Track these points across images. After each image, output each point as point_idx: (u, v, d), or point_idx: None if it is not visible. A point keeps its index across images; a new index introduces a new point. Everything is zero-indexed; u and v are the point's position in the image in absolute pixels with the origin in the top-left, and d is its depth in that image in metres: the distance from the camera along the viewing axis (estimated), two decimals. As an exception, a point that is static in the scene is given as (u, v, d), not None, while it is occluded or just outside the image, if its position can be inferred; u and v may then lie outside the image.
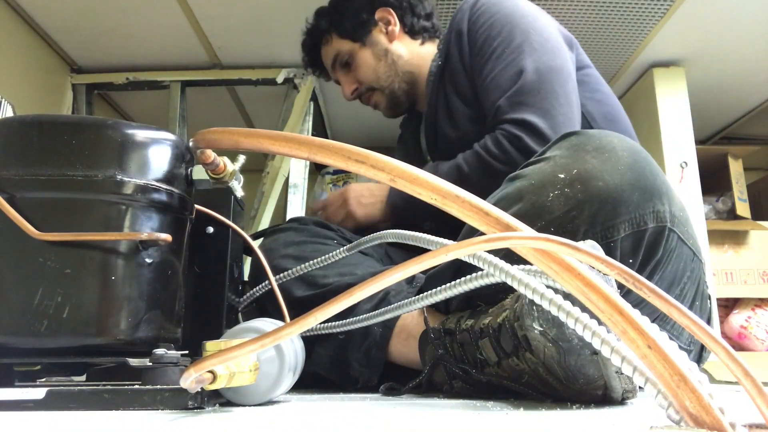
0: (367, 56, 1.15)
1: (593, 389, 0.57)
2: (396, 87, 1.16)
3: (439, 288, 0.60)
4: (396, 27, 1.15)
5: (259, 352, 0.54)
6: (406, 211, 1.03)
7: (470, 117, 1.03)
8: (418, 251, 0.48)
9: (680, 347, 0.58)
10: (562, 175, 0.68)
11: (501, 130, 0.92)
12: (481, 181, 0.91)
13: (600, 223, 0.66)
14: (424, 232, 0.63)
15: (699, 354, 0.83)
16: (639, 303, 0.50)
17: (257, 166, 1.72)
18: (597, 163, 0.67)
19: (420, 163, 1.11)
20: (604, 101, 1.03)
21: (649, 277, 0.70)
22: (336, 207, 1.10)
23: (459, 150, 0.98)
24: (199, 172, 0.64)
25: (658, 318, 0.73)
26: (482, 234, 0.38)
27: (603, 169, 0.67)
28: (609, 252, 0.66)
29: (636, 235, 0.68)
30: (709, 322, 0.87)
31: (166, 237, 0.55)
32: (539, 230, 0.67)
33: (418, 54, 1.16)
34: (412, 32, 1.16)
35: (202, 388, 0.47)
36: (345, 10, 1.16)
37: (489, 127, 0.96)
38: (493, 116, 0.95)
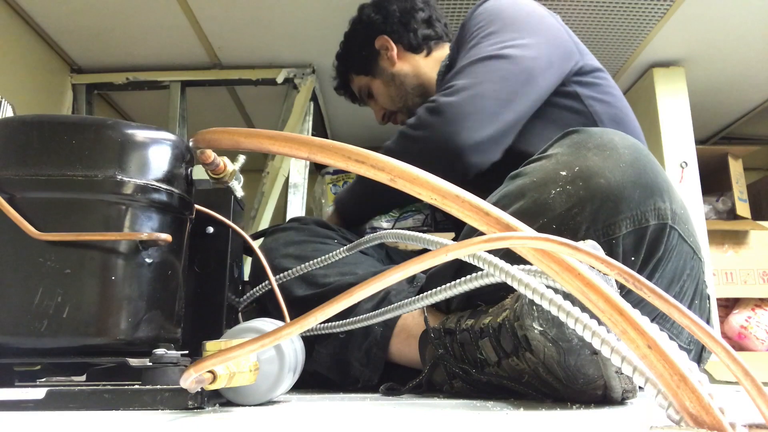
0: (379, 85, 1.22)
1: (593, 389, 0.57)
2: (410, 104, 1.19)
3: (439, 288, 0.60)
4: (394, 51, 1.19)
5: (259, 352, 0.54)
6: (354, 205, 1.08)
7: None
8: (419, 251, 0.48)
9: (680, 347, 0.58)
10: (564, 173, 0.68)
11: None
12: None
13: (602, 220, 0.66)
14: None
15: (699, 354, 0.83)
16: (639, 302, 0.50)
17: (257, 166, 1.72)
18: (598, 161, 0.67)
19: None
20: (613, 104, 1.01)
21: (650, 275, 0.70)
22: None
23: None
24: (199, 172, 0.64)
25: (658, 317, 0.73)
26: (482, 234, 0.38)
27: (604, 166, 0.67)
28: (611, 250, 0.66)
29: (638, 233, 0.67)
30: (708, 322, 0.87)
31: (166, 237, 0.55)
32: (541, 228, 0.68)
33: (424, 65, 1.19)
34: (412, 48, 1.19)
35: (202, 388, 0.47)
36: (350, 49, 1.25)
37: None
38: None
